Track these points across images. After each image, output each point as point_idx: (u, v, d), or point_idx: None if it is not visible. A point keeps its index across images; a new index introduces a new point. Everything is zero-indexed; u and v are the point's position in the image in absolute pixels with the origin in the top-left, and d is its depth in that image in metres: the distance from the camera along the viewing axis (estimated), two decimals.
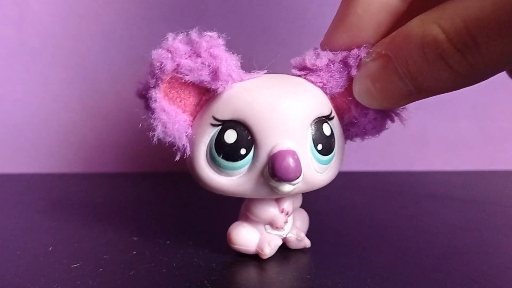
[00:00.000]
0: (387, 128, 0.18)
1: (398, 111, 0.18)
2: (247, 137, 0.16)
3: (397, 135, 0.35)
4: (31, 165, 0.34)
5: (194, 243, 0.20)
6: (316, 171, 0.17)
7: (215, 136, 0.16)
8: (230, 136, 0.16)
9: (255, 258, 0.18)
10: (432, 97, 0.16)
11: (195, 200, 0.27)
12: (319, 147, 0.17)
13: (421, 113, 0.34)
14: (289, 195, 0.17)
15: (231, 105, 0.16)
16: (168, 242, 0.20)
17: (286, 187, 0.16)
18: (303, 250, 0.19)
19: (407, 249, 0.20)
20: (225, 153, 0.16)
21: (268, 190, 0.17)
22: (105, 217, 0.24)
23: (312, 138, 0.17)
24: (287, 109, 0.16)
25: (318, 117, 0.17)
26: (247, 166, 0.16)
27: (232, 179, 0.17)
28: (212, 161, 0.17)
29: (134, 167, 0.35)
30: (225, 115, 0.16)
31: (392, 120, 0.18)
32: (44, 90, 0.34)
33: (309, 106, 0.17)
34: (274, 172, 0.15)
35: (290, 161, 0.15)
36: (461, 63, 0.14)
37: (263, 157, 0.16)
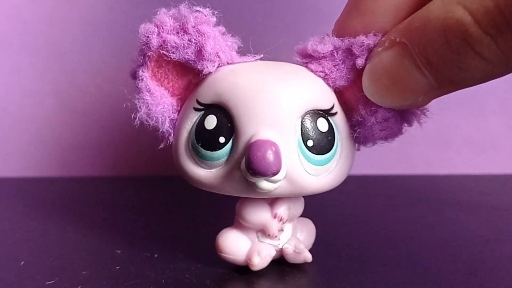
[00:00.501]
0: (402, 133, 0.18)
1: (417, 111, 0.17)
2: (227, 124, 0.16)
3: (416, 134, 0.35)
4: None
5: (185, 257, 0.20)
6: (307, 172, 0.17)
7: (197, 121, 0.17)
8: (210, 122, 0.17)
9: (254, 273, 0.18)
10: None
11: (186, 207, 0.27)
12: (310, 143, 0.17)
13: (442, 110, 0.34)
14: (272, 195, 0.17)
15: (214, 87, 0.17)
16: (156, 255, 0.20)
17: (264, 184, 0.16)
18: (311, 265, 0.19)
19: (427, 263, 0.20)
20: (204, 140, 0.17)
21: (247, 187, 0.16)
22: (84, 227, 0.24)
23: (302, 132, 0.17)
24: (272, 95, 0.16)
25: (313, 110, 0.17)
26: (226, 158, 0.17)
27: (211, 172, 0.17)
28: (192, 149, 0.17)
29: (116, 170, 0.35)
30: (208, 99, 0.17)
31: (410, 124, 0.18)
32: (13, 82, 0.33)
33: (301, 95, 0.17)
34: (248, 164, 0.15)
35: (268, 153, 0.15)
36: (491, 50, 0.13)
37: (241, 148, 0.16)
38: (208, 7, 0.17)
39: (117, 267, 0.19)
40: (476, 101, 0.36)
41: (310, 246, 0.20)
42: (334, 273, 0.19)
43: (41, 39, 0.33)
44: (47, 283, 0.18)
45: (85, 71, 0.33)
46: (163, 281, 0.18)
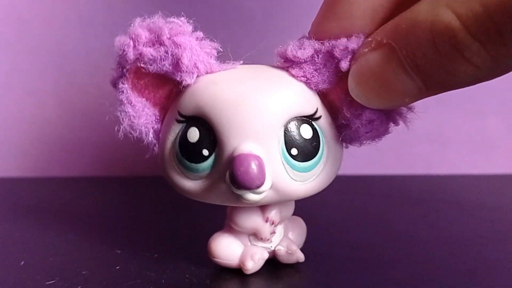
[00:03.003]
0: (389, 133, 0.18)
1: (403, 111, 0.17)
2: (210, 136, 0.16)
3: (414, 133, 0.35)
4: None
5: (185, 257, 0.20)
6: (293, 179, 0.17)
7: (180, 133, 0.17)
8: (193, 135, 0.16)
9: (252, 274, 0.18)
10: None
11: (186, 207, 0.27)
12: (294, 151, 0.16)
13: (441, 108, 0.34)
14: (259, 204, 0.17)
15: (194, 99, 0.16)
16: (156, 255, 0.20)
17: (250, 196, 0.16)
18: (310, 265, 0.19)
19: (427, 263, 0.20)
20: (188, 153, 0.16)
21: (233, 197, 0.16)
22: (84, 227, 0.24)
23: (285, 141, 0.16)
24: (253, 106, 0.16)
25: (296, 117, 0.17)
26: (210, 170, 0.16)
27: (197, 183, 0.17)
28: (177, 161, 0.17)
29: (117, 170, 0.35)
30: (189, 111, 0.17)
31: (396, 123, 0.17)
32: (14, 83, 0.33)
33: (283, 104, 0.16)
34: (232, 178, 0.15)
35: (251, 167, 0.15)
36: (480, 56, 0.13)
37: (225, 161, 0.16)
38: (183, 16, 0.16)
39: (117, 267, 0.19)
40: (476, 101, 0.36)
41: (301, 245, 0.20)
42: (334, 273, 0.19)
43: (41, 39, 0.33)
44: (47, 283, 0.18)
45: (85, 72, 0.33)
46: (163, 281, 0.18)
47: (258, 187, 0.15)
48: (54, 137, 0.34)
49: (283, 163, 0.16)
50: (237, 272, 0.18)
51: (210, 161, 0.16)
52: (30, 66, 0.33)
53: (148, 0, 0.32)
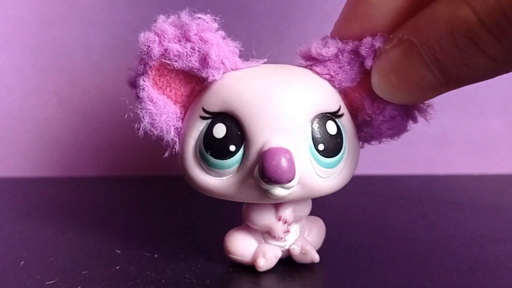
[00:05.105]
0: (408, 130, 0.18)
1: (423, 108, 0.18)
2: (237, 132, 0.16)
3: (417, 134, 0.35)
4: None
5: (185, 256, 0.20)
6: (318, 175, 0.17)
7: (205, 130, 0.17)
8: (219, 131, 0.16)
9: (254, 273, 0.18)
10: (455, 91, 0.16)
11: (186, 207, 0.27)
12: (321, 147, 0.17)
13: (441, 109, 0.34)
14: (285, 200, 0.17)
15: (221, 95, 0.16)
16: (156, 255, 0.20)
17: (278, 191, 0.16)
18: (310, 265, 0.19)
19: (428, 263, 0.20)
20: (213, 149, 0.16)
21: (259, 193, 0.16)
22: (85, 227, 0.24)
23: (313, 137, 0.17)
24: (282, 101, 0.16)
25: (322, 113, 0.17)
26: (237, 166, 0.16)
27: (222, 180, 0.17)
28: (201, 158, 0.17)
29: (117, 170, 0.35)
30: (214, 107, 0.17)
31: (415, 121, 0.18)
32: (14, 82, 0.33)
33: (310, 99, 0.17)
34: (263, 172, 0.15)
35: (282, 161, 0.15)
36: (496, 48, 0.13)
37: (253, 155, 0.16)
38: (209, 13, 0.16)
39: (117, 267, 0.19)
40: (476, 101, 0.36)
41: (319, 245, 0.20)
42: (334, 273, 0.19)
43: (41, 39, 0.33)
44: (47, 283, 0.18)
45: (85, 71, 0.33)
46: (163, 281, 0.18)
47: (289, 181, 0.15)
48: (54, 137, 0.34)
49: (310, 159, 0.16)
50: (238, 271, 0.18)
51: (237, 157, 0.16)
52: (30, 66, 0.33)
53: (148, 0, 0.32)
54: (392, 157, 0.36)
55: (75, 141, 0.34)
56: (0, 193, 0.31)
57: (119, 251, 0.21)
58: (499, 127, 0.36)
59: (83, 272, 0.18)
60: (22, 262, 0.20)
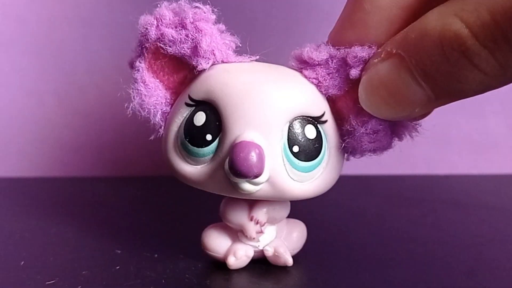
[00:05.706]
0: (391, 147, 0.18)
1: (409, 125, 0.17)
2: (215, 122, 0.16)
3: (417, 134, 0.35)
4: None
5: (185, 256, 0.20)
6: (290, 177, 0.17)
7: (187, 117, 0.17)
8: (199, 119, 0.17)
9: (255, 273, 0.18)
10: None
11: (186, 207, 0.27)
12: (295, 149, 0.16)
13: (441, 108, 0.34)
14: (254, 197, 0.17)
15: (206, 84, 0.17)
16: (156, 255, 0.20)
17: (246, 186, 0.16)
18: (312, 265, 0.19)
19: (427, 264, 0.20)
20: (191, 136, 0.17)
21: (229, 186, 0.16)
22: (84, 227, 0.24)
23: (288, 137, 0.16)
24: (262, 97, 0.16)
25: (303, 116, 0.17)
26: (211, 155, 0.17)
27: (197, 168, 0.17)
28: (180, 144, 0.17)
29: (116, 170, 0.35)
30: (199, 95, 0.17)
31: (400, 138, 0.18)
32: (14, 83, 0.33)
33: (292, 100, 0.17)
34: (231, 164, 0.15)
35: (250, 155, 0.15)
36: (489, 63, 0.13)
37: (226, 147, 0.16)
38: (209, 4, 0.17)
39: (117, 267, 0.19)
40: (476, 101, 0.35)
41: (298, 249, 0.19)
42: (334, 273, 0.19)
43: (41, 39, 0.33)
44: (47, 283, 0.18)
45: (86, 72, 0.33)
46: (163, 281, 0.18)
47: (256, 176, 0.16)
48: (54, 137, 0.34)
49: (283, 159, 0.16)
50: (238, 271, 0.19)
51: (212, 146, 0.17)
52: (30, 66, 0.33)
53: (148, 0, 0.32)
54: (392, 157, 0.36)
55: (75, 141, 0.34)
56: (0, 193, 0.31)
57: (119, 251, 0.21)
58: (499, 127, 0.36)
59: (83, 272, 0.19)
60: (22, 262, 0.20)
